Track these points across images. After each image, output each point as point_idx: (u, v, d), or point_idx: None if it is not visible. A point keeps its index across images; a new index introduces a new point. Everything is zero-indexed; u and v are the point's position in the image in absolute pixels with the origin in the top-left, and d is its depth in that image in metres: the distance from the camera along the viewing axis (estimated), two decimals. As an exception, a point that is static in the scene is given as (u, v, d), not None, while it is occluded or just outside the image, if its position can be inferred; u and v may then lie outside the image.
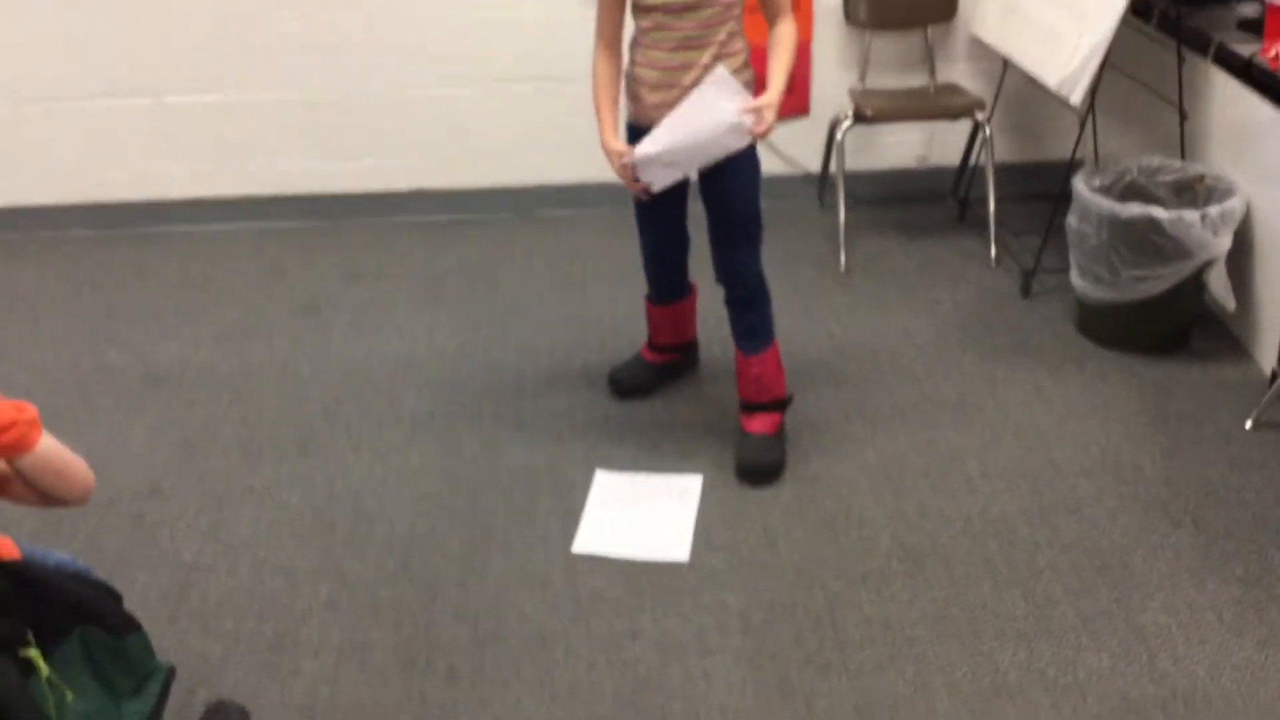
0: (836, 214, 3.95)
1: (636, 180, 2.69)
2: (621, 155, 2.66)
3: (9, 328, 3.70)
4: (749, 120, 2.56)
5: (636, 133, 2.72)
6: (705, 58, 2.62)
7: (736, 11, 2.66)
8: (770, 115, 2.58)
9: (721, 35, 2.63)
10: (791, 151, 4.35)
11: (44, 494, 1.74)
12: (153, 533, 2.76)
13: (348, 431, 3.12)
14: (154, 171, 4.30)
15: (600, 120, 2.72)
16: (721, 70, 2.57)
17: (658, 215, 2.95)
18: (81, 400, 3.29)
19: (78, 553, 2.18)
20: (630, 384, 3.23)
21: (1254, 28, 3.29)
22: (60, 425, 1.79)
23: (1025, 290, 3.69)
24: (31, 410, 1.68)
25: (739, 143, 2.62)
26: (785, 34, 2.68)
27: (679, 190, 2.88)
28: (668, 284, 3.13)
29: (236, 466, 2.99)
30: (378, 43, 4.16)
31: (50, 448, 1.70)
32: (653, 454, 2.99)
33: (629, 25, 2.73)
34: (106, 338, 3.62)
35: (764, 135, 2.60)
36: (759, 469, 2.88)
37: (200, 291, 3.89)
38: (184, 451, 3.06)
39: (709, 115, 2.57)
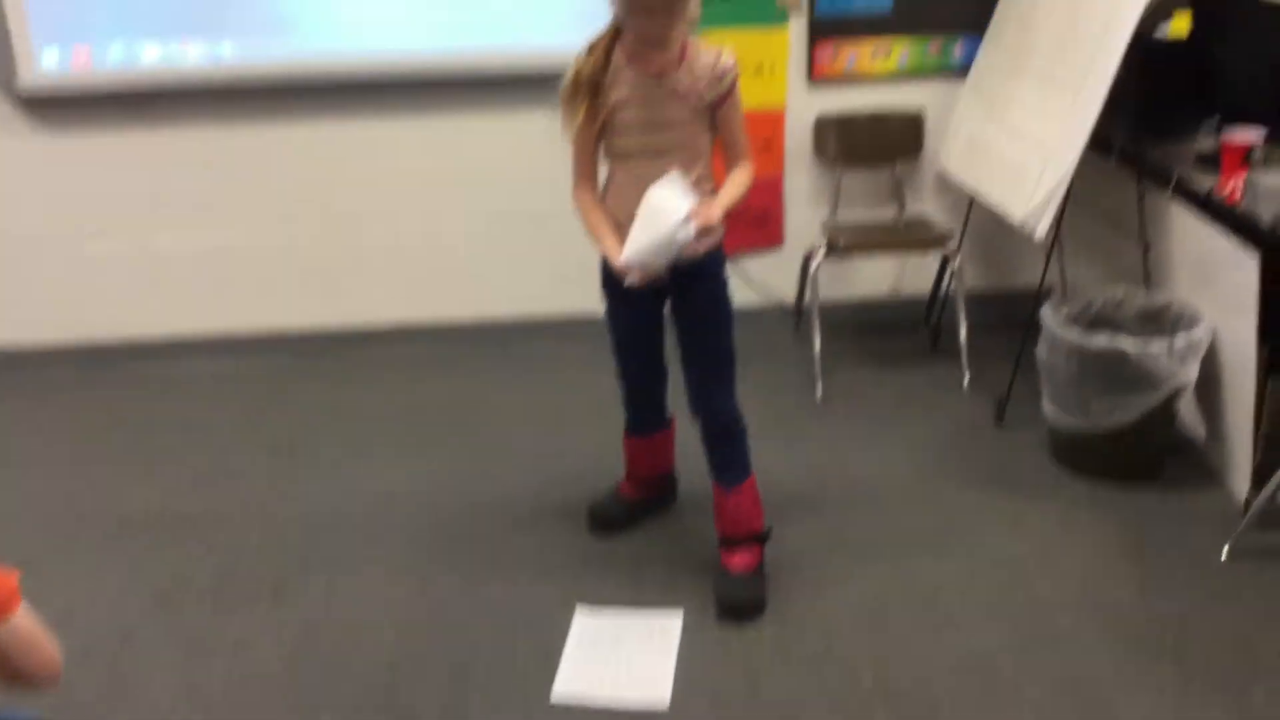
0: (811, 344, 4.00)
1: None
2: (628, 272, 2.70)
3: (-16, 471, 3.68)
4: (698, 216, 2.60)
5: (609, 267, 2.77)
6: None
7: (706, 157, 2.74)
8: (716, 211, 2.64)
9: (691, 179, 2.70)
10: (766, 283, 4.42)
11: (12, 669, 1.71)
12: (125, 684, 2.71)
13: (324, 574, 3.09)
14: (135, 312, 4.33)
15: (603, 245, 2.76)
16: (670, 174, 2.64)
17: (635, 347, 3.00)
18: (56, 546, 3.26)
19: (49, 704, 2.14)
20: (609, 519, 3.23)
21: (1211, 162, 3.40)
22: (34, 572, 1.77)
23: (999, 418, 3.73)
24: (13, 579, 1.67)
25: (688, 234, 2.62)
26: (739, 171, 2.77)
27: (655, 322, 2.92)
28: (646, 416, 3.16)
29: (210, 614, 2.95)
30: (357, 183, 4.24)
31: (26, 620, 1.68)
32: (632, 590, 2.97)
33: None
34: (83, 482, 3.60)
35: (709, 227, 2.63)
36: (740, 607, 2.86)
37: (178, 432, 3.89)
38: (158, 599, 3.02)
39: (662, 214, 2.62)
